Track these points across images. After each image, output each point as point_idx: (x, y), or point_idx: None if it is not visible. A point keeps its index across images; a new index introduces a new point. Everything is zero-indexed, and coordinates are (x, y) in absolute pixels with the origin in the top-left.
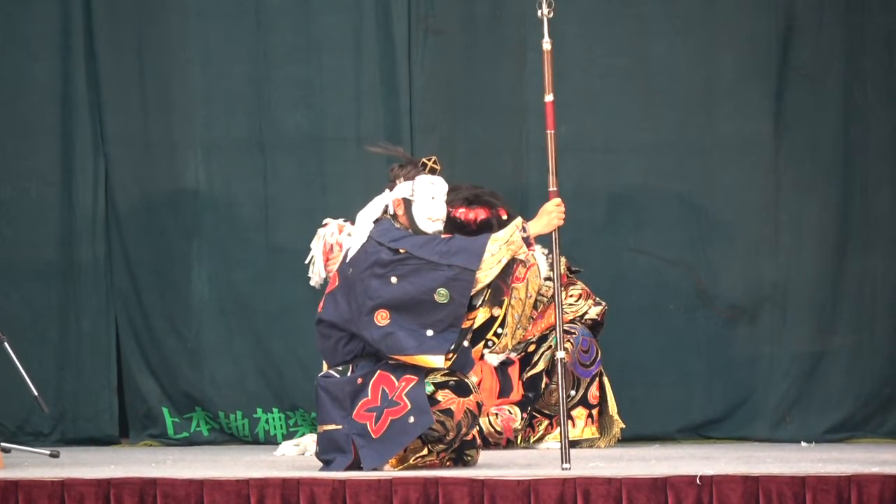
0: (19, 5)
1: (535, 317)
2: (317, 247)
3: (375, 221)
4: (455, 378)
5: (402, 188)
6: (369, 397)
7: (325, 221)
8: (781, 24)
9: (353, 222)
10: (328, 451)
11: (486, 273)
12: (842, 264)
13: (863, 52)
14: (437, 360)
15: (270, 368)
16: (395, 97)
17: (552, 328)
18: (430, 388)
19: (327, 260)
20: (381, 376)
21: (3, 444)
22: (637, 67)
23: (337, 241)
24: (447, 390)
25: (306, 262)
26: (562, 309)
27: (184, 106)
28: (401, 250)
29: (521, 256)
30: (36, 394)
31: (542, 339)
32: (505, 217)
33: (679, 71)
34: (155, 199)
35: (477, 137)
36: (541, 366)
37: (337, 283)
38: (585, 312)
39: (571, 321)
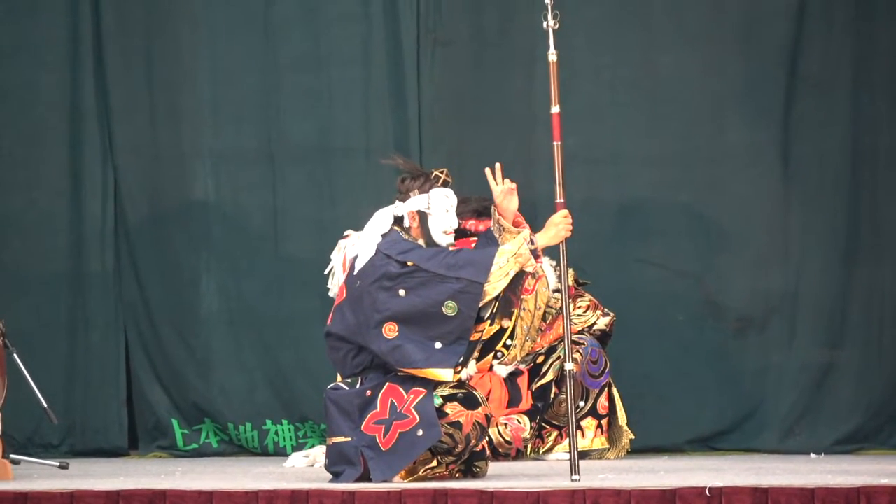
0: (28, 14)
1: (543, 328)
2: (337, 258)
3: (383, 235)
4: (464, 391)
5: (418, 201)
6: (378, 409)
7: (346, 233)
8: (790, 34)
9: None
10: (337, 464)
11: (494, 286)
12: (851, 275)
13: (871, 61)
14: (446, 374)
15: (279, 380)
16: (404, 108)
17: (561, 339)
18: (438, 401)
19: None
20: (389, 388)
21: (13, 456)
22: (645, 78)
23: None
24: (456, 403)
25: (326, 272)
26: (570, 320)
27: (193, 116)
28: (409, 263)
29: (529, 269)
30: (45, 405)
31: (551, 349)
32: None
33: (687, 81)
34: (164, 209)
35: (485, 148)
36: (550, 376)
37: (344, 296)
38: (594, 323)
39: (580, 332)
